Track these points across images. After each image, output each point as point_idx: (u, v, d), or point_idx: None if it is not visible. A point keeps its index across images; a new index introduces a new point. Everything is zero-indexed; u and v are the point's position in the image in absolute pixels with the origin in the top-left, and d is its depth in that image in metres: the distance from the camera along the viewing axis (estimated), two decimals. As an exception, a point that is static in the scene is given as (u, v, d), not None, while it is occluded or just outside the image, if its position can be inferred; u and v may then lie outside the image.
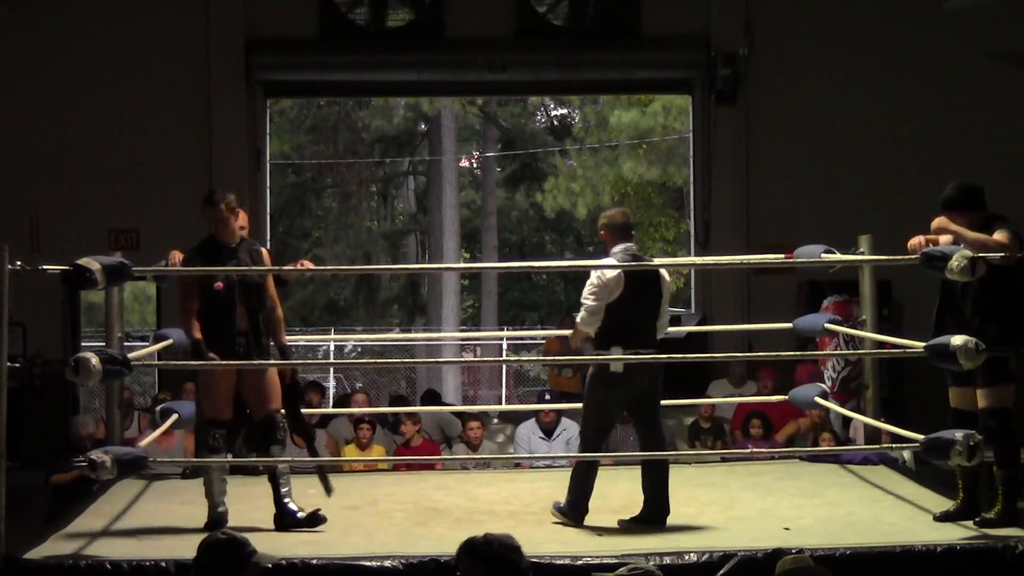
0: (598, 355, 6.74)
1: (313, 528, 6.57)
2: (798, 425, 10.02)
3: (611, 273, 6.66)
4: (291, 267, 7.41)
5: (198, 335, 6.61)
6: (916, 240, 6.59)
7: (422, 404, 11.42)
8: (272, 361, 6.76)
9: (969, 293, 6.40)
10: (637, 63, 13.31)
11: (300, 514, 6.64)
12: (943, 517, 6.56)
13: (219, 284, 6.65)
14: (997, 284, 6.31)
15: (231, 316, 6.65)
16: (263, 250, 7.01)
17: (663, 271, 6.92)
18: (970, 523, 6.37)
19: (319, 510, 6.66)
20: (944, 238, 6.50)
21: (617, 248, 6.81)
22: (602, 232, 6.97)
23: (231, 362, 6.60)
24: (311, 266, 7.50)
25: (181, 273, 6.60)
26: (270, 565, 4.51)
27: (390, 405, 11.39)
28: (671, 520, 6.75)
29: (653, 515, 6.73)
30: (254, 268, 6.68)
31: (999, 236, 6.33)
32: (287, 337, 7.05)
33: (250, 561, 4.35)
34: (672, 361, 7.11)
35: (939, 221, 6.49)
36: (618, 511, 7.02)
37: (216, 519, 6.59)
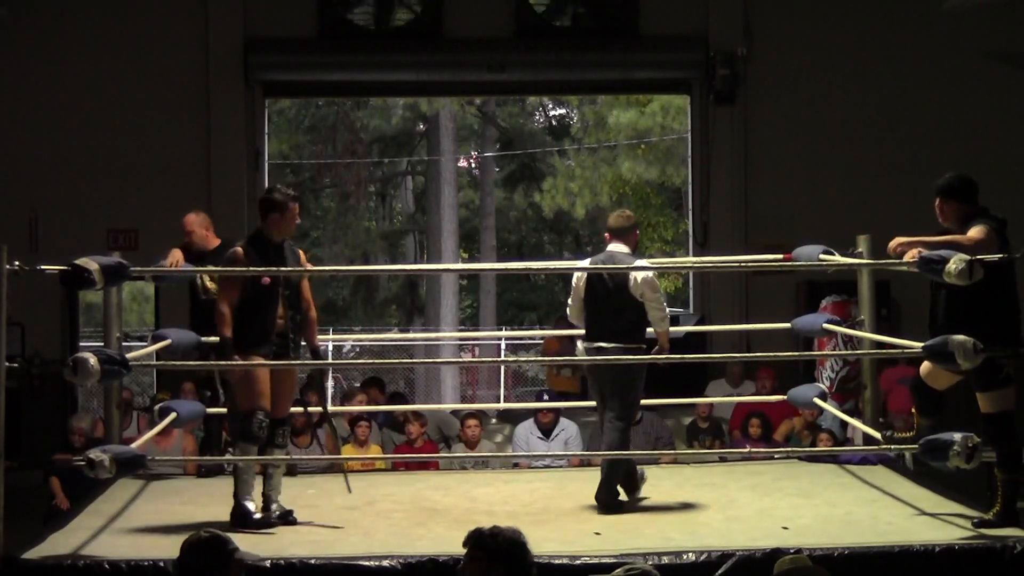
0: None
1: (263, 531, 6.53)
2: (792, 424, 10.02)
3: (577, 275, 7.34)
4: (288, 268, 7.39)
5: (228, 332, 6.57)
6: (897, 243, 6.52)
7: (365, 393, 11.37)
8: (273, 362, 6.72)
9: (955, 294, 6.31)
10: (636, 63, 13.30)
11: (256, 515, 6.64)
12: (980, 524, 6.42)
13: (266, 280, 6.68)
14: (982, 283, 6.16)
15: (273, 314, 6.68)
16: (300, 251, 7.00)
17: (633, 271, 7.19)
18: (968, 523, 6.38)
19: (289, 512, 6.70)
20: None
21: (608, 248, 7.34)
22: (606, 234, 7.42)
23: (230, 362, 6.58)
24: (309, 267, 7.50)
25: (178, 273, 6.59)
26: (267, 563, 4.51)
27: (389, 401, 11.38)
28: (669, 520, 6.76)
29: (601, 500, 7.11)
30: (256, 270, 6.64)
31: (973, 232, 6.27)
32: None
33: (233, 559, 4.36)
34: (670, 361, 7.19)
35: (897, 241, 6.45)
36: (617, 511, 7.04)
37: (244, 513, 6.58)
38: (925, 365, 6.60)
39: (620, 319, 7.14)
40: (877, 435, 7.42)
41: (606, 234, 7.42)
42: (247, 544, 4.90)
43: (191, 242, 8.52)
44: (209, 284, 8.39)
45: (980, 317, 6.27)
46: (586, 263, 7.39)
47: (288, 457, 8.51)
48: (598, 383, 7.26)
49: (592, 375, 7.33)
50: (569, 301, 7.39)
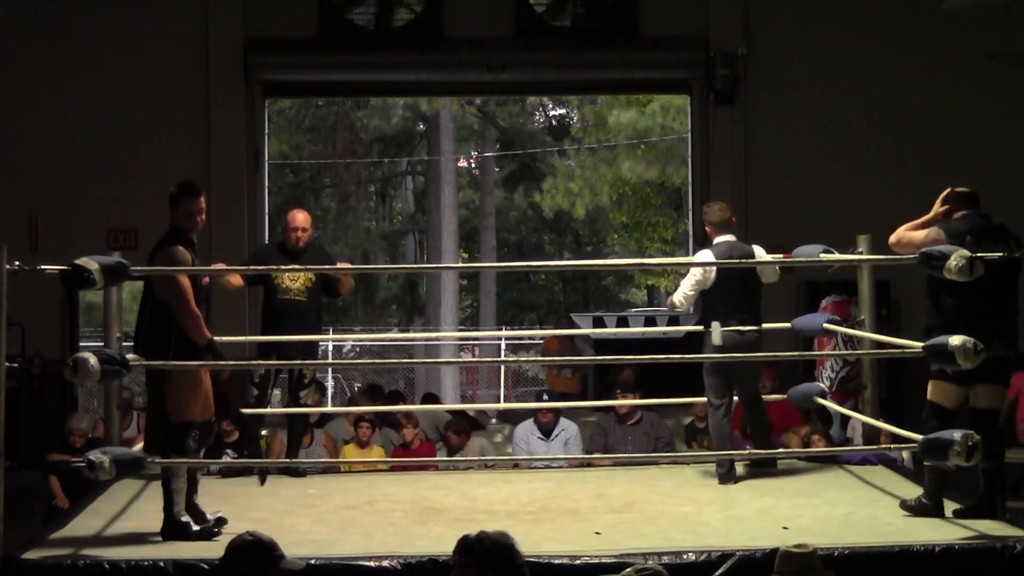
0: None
1: (207, 539, 6.25)
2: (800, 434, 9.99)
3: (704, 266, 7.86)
4: (291, 267, 7.42)
5: (208, 334, 6.45)
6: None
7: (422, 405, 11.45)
8: (279, 361, 6.71)
9: (939, 295, 6.54)
10: (636, 63, 13.29)
11: (194, 527, 6.33)
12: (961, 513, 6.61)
13: (206, 280, 6.64)
14: (950, 288, 6.42)
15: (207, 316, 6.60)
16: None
17: (760, 254, 8.00)
18: (967, 523, 6.38)
19: (219, 517, 6.43)
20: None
21: (718, 240, 7.95)
22: (707, 228, 8.03)
23: (235, 362, 6.57)
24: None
25: (179, 272, 6.53)
26: (299, 568, 4.45)
27: (385, 400, 11.41)
28: (669, 520, 6.76)
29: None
30: (256, 268, 6.65)
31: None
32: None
33: (276, 565, 4.31)
34: (670, 361, 7.20)
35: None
36: (617, 511, 7.04)
37: (183, 527, 6.34)
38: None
39: (751, 306, 7.87)
40: (883, 426, 7.42)
41: (707, 228, 8.03)
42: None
43: (296, 239, 8.49)
44: (289, 283, 8.38)
45: (964, 317, 6.42)
46: (707, 254, 7.88)
47: (289, 460, 8.54)
48: (731, 366, 7.85)
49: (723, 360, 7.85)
50: (687, 289, 7.82)
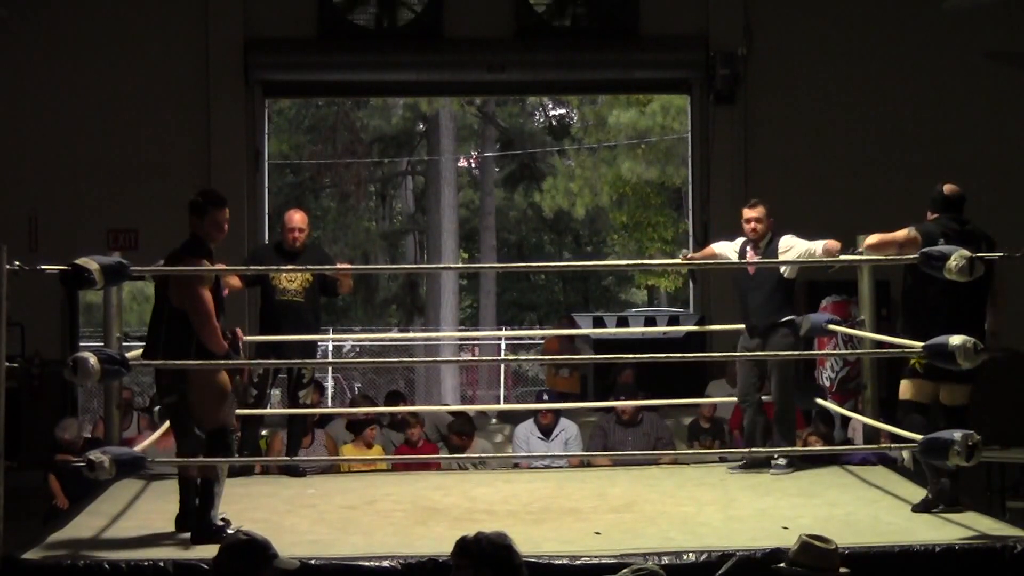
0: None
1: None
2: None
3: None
4: (291, 267, 7.43)
5: (226, 344, 6.38)
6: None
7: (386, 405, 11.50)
8: (279, 361, 6.68)
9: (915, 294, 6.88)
10: (636, 63, 13.31)
11: (229, 530, 6.21)
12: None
13: (227, 291, 6.63)
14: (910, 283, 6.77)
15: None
16: None
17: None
18: (968, 523, 6.39)
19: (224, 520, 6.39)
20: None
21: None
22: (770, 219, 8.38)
23: (236, 362, 6.57)
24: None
25: (178, 273, 6.52)
26: (293, 568, 4.45)
27: (386, 401, 11.41)
28: (669, 520, 6.76)
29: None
30: (256, 268, 6.64)
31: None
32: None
33: (270, 565, 4.31)
34: (670, 361, 7.20)
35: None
36: (617, 511, 7.04)
37: (219, 530, 6.30)
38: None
39: None
40: (883, 426, 7.43)
41: (770, 219, 8.48)
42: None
43: (293, 239, 8.47)
44: (287, 284, 8.37)
45: (904, 311, 6.77)
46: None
47: (289, 459, 8.54)
48: None
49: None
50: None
